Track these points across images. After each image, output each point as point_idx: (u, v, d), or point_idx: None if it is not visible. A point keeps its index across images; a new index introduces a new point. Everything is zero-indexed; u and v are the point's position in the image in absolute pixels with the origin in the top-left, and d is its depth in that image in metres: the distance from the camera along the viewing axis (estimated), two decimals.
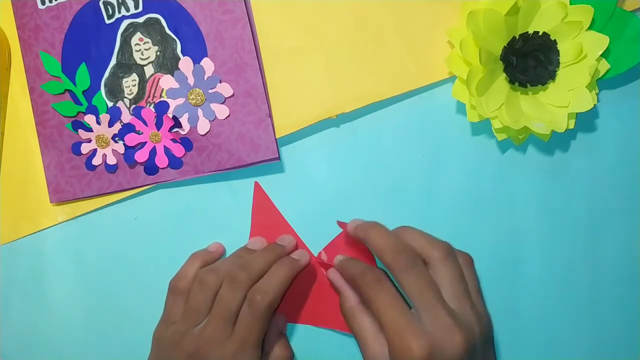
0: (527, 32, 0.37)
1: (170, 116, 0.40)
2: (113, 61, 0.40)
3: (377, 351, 0.34)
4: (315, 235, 0.41)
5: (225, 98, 0.39)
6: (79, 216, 0.42)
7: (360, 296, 0.36)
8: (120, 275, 0.42)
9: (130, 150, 0.40)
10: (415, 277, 0.33)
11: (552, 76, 0.38)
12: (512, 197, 0.41)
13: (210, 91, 0.39)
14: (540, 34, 0.37)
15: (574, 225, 0.41)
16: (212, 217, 0.42)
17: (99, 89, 0.41)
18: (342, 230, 0.39)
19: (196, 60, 0.39)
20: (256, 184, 0.41)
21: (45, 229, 0.42)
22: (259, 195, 0.41)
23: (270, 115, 0.39)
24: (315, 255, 0.40)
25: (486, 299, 0.37)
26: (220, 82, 0.39)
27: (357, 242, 0.38)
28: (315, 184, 0.41)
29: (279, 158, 0.39)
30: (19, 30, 0.41)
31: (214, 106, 0.39)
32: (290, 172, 0.41)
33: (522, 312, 0.41)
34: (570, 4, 0.37)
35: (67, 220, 0.42)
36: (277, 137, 0.39)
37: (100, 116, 0.40)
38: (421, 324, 0.31)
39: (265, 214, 0.41)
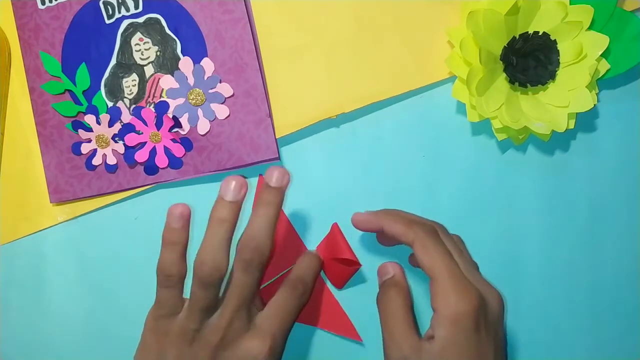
0: (527, 32, 0.37)
1: (170, 116, 0.40)
2: (113, 61, 0.40)
3: (414, 338, 0.32)
4: (315, 235, 0.41)
5: (225, 98, 0.39)
6: (79, 216, 0.42)
7: (412, 242, 0.33)
8: (120, 275, 0.42)
9: (130, 150, 0.40)
10: (451, 246, 0.34)
11: (552, 76, 0.38)
12: (512, 197, 0.41)
13: (210, 91, 0.39)
14: (540, 34, 0.37)
15: (574, 225, 0.41)
16: None
17: (99, 89, 0.41)
18: (332, 230, 0.40)
19: (196, 60, 0.39)
20: (260, 177, 0.41)
21: (45, 229, 0.42)
22: None
23: (270, 115, 0.39)
24: None
25: None
26: (220, 82, 0.39)
27: (342, 241, 0.39)
28: (315, 184, 0.41)
29: (279, 158, 0.39)
30: (19, 30, 0.41)
31: (214, 106, 0.39)
32: (290, 172, 0.41)
33: (522, 312, 0.41)
34: (570, 4, 0.37)
35: (67, 220, 0.42)
36: (277, 137, 0.39)
37: (100, 116, 0.40)
38: None
39: None
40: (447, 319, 0.31)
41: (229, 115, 0.39)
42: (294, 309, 0.35)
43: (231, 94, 0.39)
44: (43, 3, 0.41)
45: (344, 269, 0.39)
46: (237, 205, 0.33)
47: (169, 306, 0.34)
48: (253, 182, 0.41)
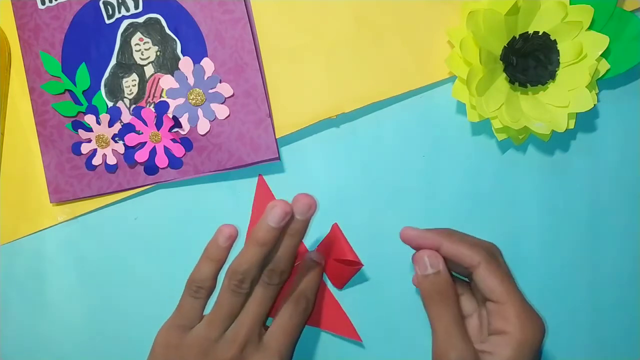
0: (527, 32, 0.37)
1: (170, 116, 0.40)
2: (113, 61, 0.40)
3: (472, 347, 0.32)
4: (315, 235, 0.41)
5: (225, 98, 0.39)
6: (79, 216, 0.42)
7: (477, 264, 0.33)
8: (120, 276, 0.42)
9: (130, 150, 0.40)
10: (506, 267, 0.34)
11: (552, 76, 0.38)
12: (512, 197, 0.41)
13: (210, 91, 0.39)
14: (540, 34, 0.37)
15: (574, 225, 0.41)
16: (212, 217, 0.41)
17: (99, 89, 0.41)
18: (332, 230, 0.40)
19: (196, 60, 0.39)
20: (260, 177, 0.41)
21: (45, 229, 0.43)
22: (262, 189, 0.41)
23: (270, 115, 0.39)
24: None
25: None
26: (220, 82, 0.39)
27: (343, 241, 0.39)
28: (315, 184, 0.41)
29: (279, 158, 0.39)
30: (19, 30, 0.41)
31: (214, 106, 0.39)
32: (290, 172, 0.41)
33: None
34: (570, 4, 0.37)
35: (67, 220, 0.42)
36: (277, 137, 0.39)
37: (100, 116, 0.40)
38: None
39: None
40: (517, 342, 0.31)
41: (229, 115, 0.39)
42: (299, 325, 0.36)
43: (231, 94, 0.39)
44: (43, 3, 0.41)
45: (345, 269, 0.39)
46: (279, 231, 0.33)
47: (190, 317, 0.35)
48: (253, 182, 0.41)
